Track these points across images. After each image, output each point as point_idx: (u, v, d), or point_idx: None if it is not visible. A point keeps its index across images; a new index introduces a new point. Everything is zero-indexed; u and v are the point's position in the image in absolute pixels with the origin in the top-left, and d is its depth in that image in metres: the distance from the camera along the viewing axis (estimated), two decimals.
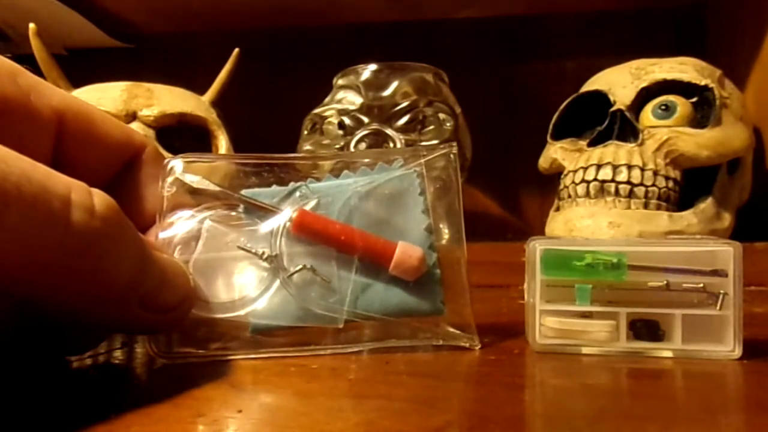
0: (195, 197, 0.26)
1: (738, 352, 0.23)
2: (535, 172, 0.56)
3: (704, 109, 0.48)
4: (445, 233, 0.27)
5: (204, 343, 0.25)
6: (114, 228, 0.19)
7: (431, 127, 0.53)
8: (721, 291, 0.24)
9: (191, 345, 0.25)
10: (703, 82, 0.48)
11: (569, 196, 0.49)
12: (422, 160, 0.27)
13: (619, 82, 0.50)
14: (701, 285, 0.24)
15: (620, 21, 0.70)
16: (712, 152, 0.46)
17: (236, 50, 0.60)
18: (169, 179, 0.25)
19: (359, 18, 0.71)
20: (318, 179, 0.27)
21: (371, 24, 0.72)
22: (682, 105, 0.47)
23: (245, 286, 0.25)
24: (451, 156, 0.27)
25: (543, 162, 0.55)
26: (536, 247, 0.25)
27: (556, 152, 0.52)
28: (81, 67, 0.61)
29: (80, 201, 0.18)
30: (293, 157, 0.27)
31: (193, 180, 0.26)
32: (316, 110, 0.55)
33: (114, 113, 0.51)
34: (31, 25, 0.54)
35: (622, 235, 0.44)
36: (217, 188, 0.26)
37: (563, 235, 0.47)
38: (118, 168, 0.26)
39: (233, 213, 0.26)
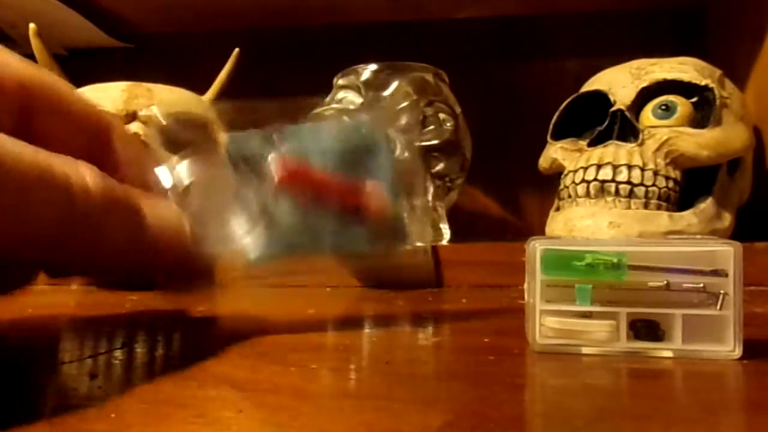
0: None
1: (738, 352, 0.23)
2: (535, 172, 0.56)
3: (704, 109, 0.48)
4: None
5: (201, 280, 0.28)
6: (106, 201, 0.21)
7: (431, 127, 0.53)
8: (721, 291, 0.24)
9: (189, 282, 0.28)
10: (703, 82, 0.48)
11: (569, 196, 0.49)
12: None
13: (619, 82, 0.50)
14: (701, 285, 0.24)
15: (620, 21, 0.70)
16: (712, 152, 0.46)
17: (236, 50, 0.60)
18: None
19: (359, 18, 0.71)
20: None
21: (371, 24, 0.72)
22: (683, 105, 0.47)
23: (237, 227, 0.28)
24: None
25: (543, 162, 0.55)
26: (536, 247, 0.25)
27: (556, 152, 0.52)
28: (81, 67, 0.61)
29: (78, 182, 0.20)
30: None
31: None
32: (316, 110, 0.55)
33: (114, 113, 0.51)
34: (31, 25, 0.54)
35: (622, 235, 0.44)
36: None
37: (563, 235, 0.47)
38: (88, 147, 0.25)
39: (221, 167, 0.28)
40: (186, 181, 0.28)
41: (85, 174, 0.20)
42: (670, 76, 0.49)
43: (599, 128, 0.49)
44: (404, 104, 0.52)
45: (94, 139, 0.25)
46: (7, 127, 0.22)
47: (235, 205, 0.28)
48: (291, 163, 0.28)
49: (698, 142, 0.46)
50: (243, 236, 0.27)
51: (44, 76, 0.23)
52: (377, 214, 0.28)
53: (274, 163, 0.28)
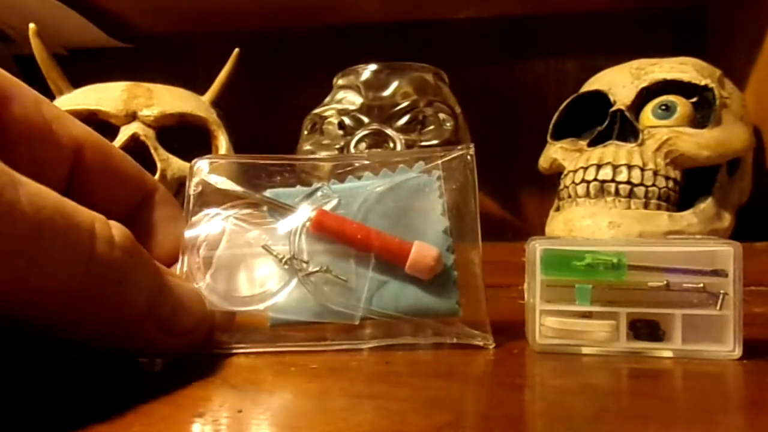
0: (219, 197, 0.26)
1: (738, 352, 0.23)
2: (535, 172, 0.56)
3: (704, 109, 0.48)
4: (461, 233, 0.27)
5: (224, 337, 0.25)
6: (132, 257, 0.20)
7: (431, 127, 0.53)
8: (721, 291, 0.24)
9: (212, 338, 0.25)
10: (703, 82, 0.48)
11: (569, 196, 0.49)
12: (439, 161, 0.27)
13: (619, 82, 0.50)
14: (701, 285, 0.24)
15: (620, 21, 0.70)
16: (712, 152, 0.46)
17: (236, 50, 0.60)
18: (195, 179, 0.26)
19: (359, 18, 0.71)
20: (341, 180, 0.27)
21: (371, 24, 0.72)
22: (682, 105, 0.47)
23: (265, 282, 0.26)
24: (468, 157, 0.27)
25: (543, 162, 0.55)
26: (536, 247, 0.25)
27: (556, 152, 0.52)
28: (81, 67, 0.61)
29: (102, 233, 0.19)
30: (314, 158, 0.28)
31: (218, 181, 0.26)
32: (316, 110, 0.55)
33: (114, 113, 0.51)
34: (31, 25, 0.54)
35: (622, 235, 0.44)
36: (240, 189, 0.26)
37: (563, 235, 0.47)
38: (132, 204, 0.27)
39: (256, 212, 0.26)
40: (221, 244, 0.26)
41: (112, 226, 0.20)
42: (670, 76, 0.49)
43: (599, 128, 0.49)
44: (404, 104, 0.52)
45: (138, 199, 0.27)
46: (61, 179, 0.24)
47: (265, 261, 0.26)
48: (328, 213, 0.26)
49: (698, 142, 0.46)
50: (269, 295, 0.25)
51: (98, 137, 0.25)
52: (423, 273, 0.25)
53: (311, 214, 0.26)
